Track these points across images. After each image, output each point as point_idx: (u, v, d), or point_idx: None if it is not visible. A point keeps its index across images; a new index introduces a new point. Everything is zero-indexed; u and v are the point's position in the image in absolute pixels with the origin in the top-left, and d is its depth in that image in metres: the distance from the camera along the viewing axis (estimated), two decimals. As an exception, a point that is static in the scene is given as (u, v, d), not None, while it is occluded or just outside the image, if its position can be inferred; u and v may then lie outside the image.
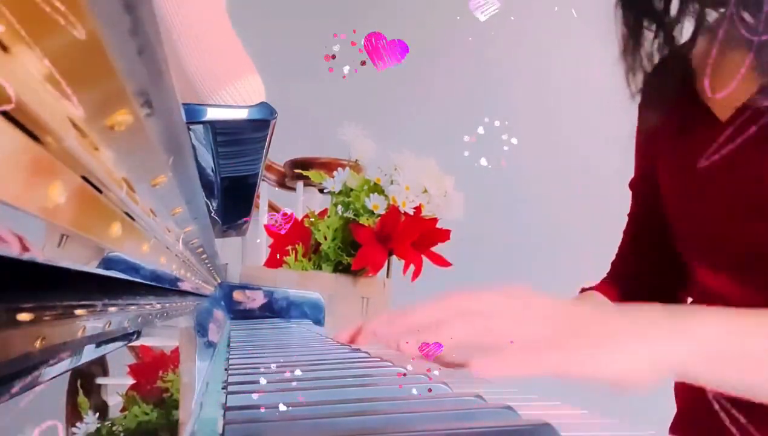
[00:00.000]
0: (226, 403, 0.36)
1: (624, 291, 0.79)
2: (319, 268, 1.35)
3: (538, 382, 0.45)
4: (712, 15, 0.64)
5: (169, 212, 0.36)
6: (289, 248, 1.35)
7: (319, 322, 1.12)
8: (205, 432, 0.33)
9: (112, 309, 0.33)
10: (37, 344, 0.23)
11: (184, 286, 0.56)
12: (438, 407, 0.36)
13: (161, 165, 0.27)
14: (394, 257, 1.35)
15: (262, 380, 0.41)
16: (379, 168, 1.38)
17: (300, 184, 1.97)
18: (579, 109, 2.44)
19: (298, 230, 1.38)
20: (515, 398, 0.42)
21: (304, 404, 0.35)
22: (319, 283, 1.31)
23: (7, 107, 0.13)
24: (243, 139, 0.59)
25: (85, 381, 0.40)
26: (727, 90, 0.63)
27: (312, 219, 1.38)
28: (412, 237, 1.31)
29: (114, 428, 0.46)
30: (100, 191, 0.22)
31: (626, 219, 0.84)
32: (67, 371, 0.31)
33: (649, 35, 0.70)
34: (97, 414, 0.41)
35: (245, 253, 1.99)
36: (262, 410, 0.33)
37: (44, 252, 0.20)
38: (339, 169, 1.38)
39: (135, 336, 0.46)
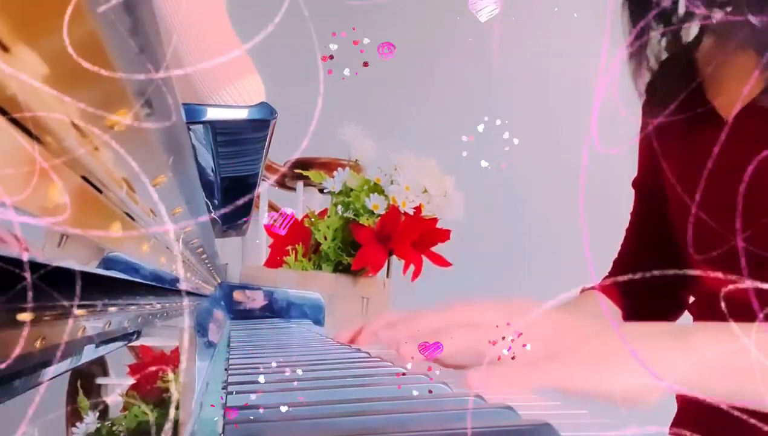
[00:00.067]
0: (226, 403, 0.36)
1: (625, 290, 0.79)
2: (319, 268, 1.35)
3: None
4: (717, 15, 0.64)
5: (169, 212, 0.36)
6: (289, 248, 1.35)
7: (319, 322, 1.12)
8: (205, 432, 0.33)
9: (112, 309, 0.33)
10: (37, 344, 0.23)
11: (184, 286, 0.56)
12: (438, 407, 0.36)
13: (161, 165, 0.27)
14: (394, 257, 1.35)
15: (262, 380, 0.41)
16: (379, 168, 1.38)
17: (300, 184, 1.97)
18: (579, 110, 2.43)
19: (298, 230, 1.38)
20: (515, 398, 0.42)
21: (304, 404, 0.35)
22: (319, 283, 1.31)
23: (7, 107, 0.13)
24: (243, 139, 0.60)
25: (85, 381, 0.40)
26: (732, 90, 0.63)
27: (312, 219, 1.38)
28: (412, 237, 1.31)
29: (114, 428, 0.45)
30: (100, 191, 0.22)
31: (627, 219, 0.84)
32: (67, 371, 0.31)
33: (655, 35, 0.70)
34: (97, 414, 0.41)
35: (245, 253, 1.99)
36: (261, 410, 0.33)
37: (44, 252, 0.20)
38: (339, 169, 1.38)
39: (135, 336, 0.45)
